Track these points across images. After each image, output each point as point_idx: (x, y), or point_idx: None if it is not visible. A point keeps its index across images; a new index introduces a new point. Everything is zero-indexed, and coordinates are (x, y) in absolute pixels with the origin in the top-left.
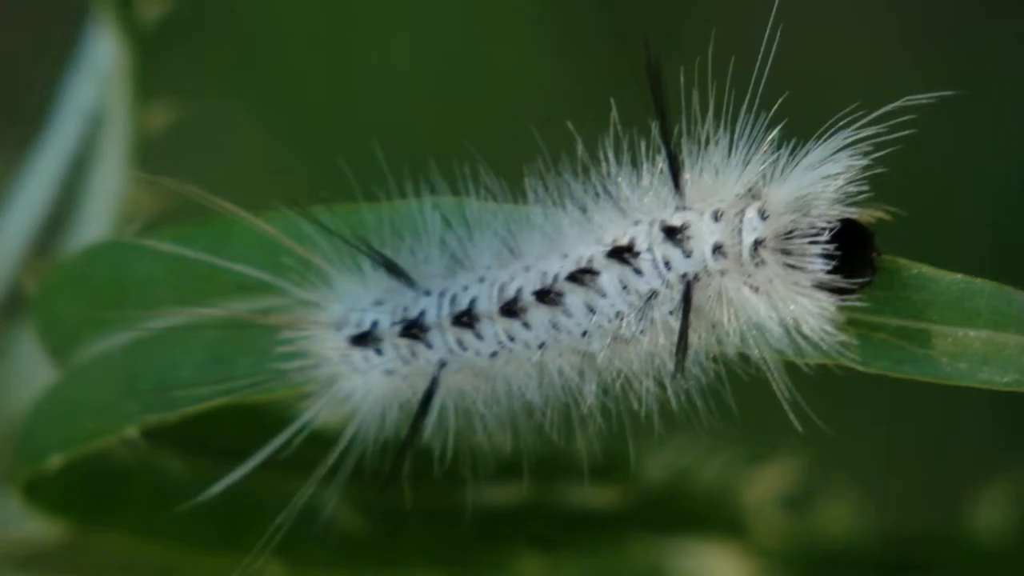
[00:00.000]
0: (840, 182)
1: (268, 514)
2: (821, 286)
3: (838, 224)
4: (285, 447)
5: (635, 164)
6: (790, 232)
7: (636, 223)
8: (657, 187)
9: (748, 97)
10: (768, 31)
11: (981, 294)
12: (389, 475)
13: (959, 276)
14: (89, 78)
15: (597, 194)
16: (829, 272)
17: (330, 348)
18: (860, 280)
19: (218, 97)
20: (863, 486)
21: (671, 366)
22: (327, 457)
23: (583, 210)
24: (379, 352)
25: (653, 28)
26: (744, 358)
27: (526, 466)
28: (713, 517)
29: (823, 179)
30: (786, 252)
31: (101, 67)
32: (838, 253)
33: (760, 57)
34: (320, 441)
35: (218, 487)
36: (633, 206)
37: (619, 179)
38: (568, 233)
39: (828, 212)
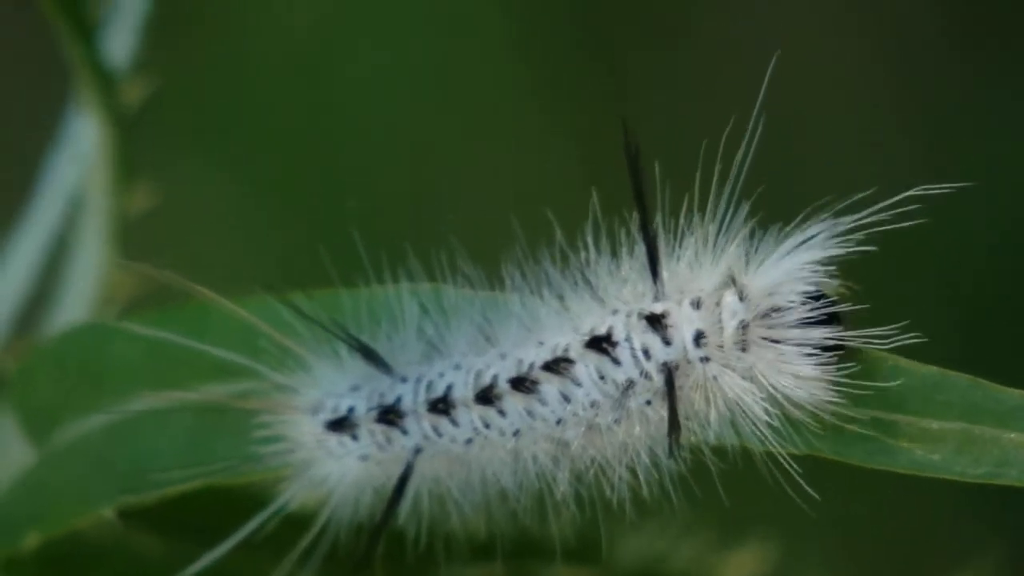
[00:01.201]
0: (814, 267)
1: None
2: (809, 355)
3: (814, 296)
4: (261, 529)
5: (614, 252)
6: (770, 312)
7: (614, 312)
8: (635, 277)
9: (722, 181)
10: (751, 126)
11: (955, 387)
12: (362, 557)
13: (933, 368)
14: (72, 160)
15: (575, 282)
16: (814, 345)
17: (306, 433)
18: (835, 350)
19: (193, 170)
20: (835, 571)
21: (644, 455)
22: (302, 539)
23: (560, 299)
24: (355, 438)
25: (632, 69)
26: (717, 449)
27: (499, 550)
28: None
29: (798, 264)
30: (770, 330)
31: (83, 149)
32: (822, 320)
33: (744, 145)
34: (296, 523)
35: (194, 568)
36: (611, 295)
37: (598, 268)
38: (545, 321)
39: (804, 289)
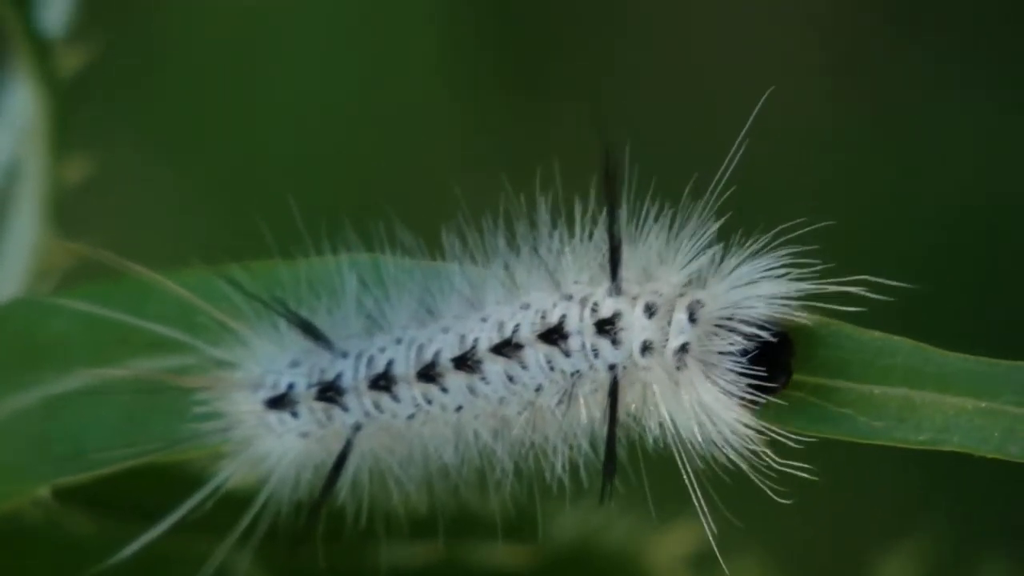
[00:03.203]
0: (772, 301)
1: (177, 574)
2: (735, 395)
3: (760, 340)
4: (198, 508)
5: (570, 233)
6: (714, 339)
7: (567, 298)
8: (592, 262)
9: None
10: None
11: (897, 351)
12: (302, 535)
13: (876, 334)
14: (6, 130)
15: (526, 258)
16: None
17: (245, 410)
18: (774, 384)
19: (128, 143)
20: (770, 546)
21: (584, 438)
22: (240, 518)
23: (507, 272)
24: (295, 415)
25: (555, 80)
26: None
27: (440, 527)
28: None
29: (756, 295)
30: (707, 360)
31: (18, 119)
32: (756, 369)
33: (725, 166)
34: (234, 502)
35: (130, 549)
36: (567, 278)
37: (552, 246)
38: (489, 296)
39: (754, 325)
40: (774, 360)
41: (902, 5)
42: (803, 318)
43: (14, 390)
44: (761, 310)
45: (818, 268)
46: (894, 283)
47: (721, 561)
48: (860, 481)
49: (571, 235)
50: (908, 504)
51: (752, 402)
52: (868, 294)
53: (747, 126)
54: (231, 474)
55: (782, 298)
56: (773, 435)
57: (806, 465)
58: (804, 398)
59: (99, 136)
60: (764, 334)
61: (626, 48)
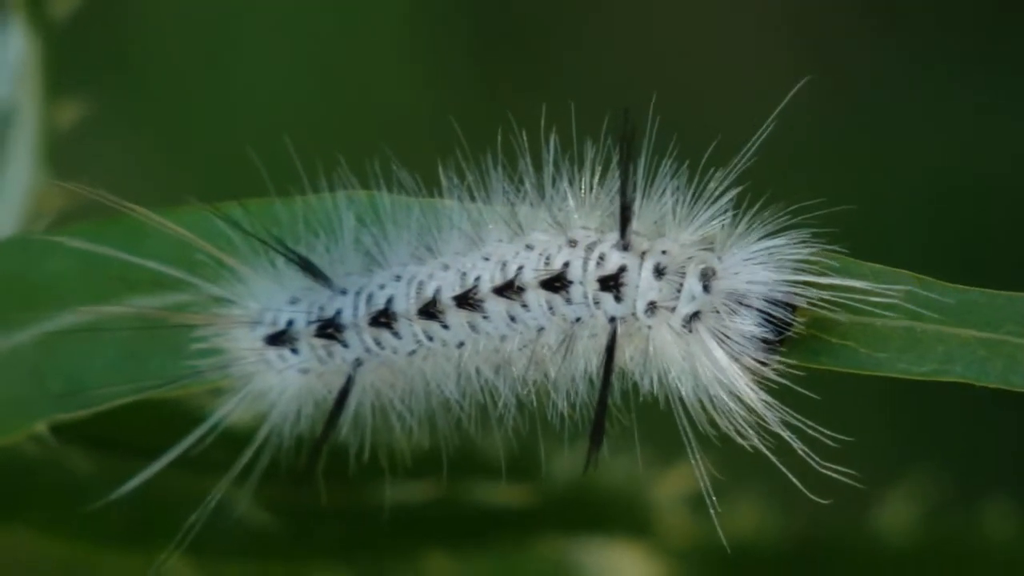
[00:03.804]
0: (787, 276)
1: (177, 512)
2: (741, 361)
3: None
4: (197, 445)
5: (579, 175)
6: (727, 311)
7: (572, 244)
8: (601, 209)
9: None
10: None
11: (899, 283)
12: (303, 473)
13: (878, 266)
14: None
15: (531, 198)
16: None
17: (245, 346)
18: (778, 342)
19: (121, 90)
20: (770, 486)
21: (582, 380)
22: (240, 455)
23: (511, 211)
24: (295, 351)
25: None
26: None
27: (444, 462)
28: (620, 516)
29: (772, 274)
30: (719, 329)
31: (12, 62)
32: (769, 338)
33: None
34: (233, 439)
35: (128, 486)
36: (573, 223)
37: (560, 188)
38: (491, 233)
39: (768, 297)
40: (778, 326)
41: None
42: (819, 307)
43: (11, 328)
44: (780, 293)
45: (838, 252)
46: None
47: (714, 505)
48: (859, 421)
49: (580, 177)
50: (906, 445)
51: (760, 362)
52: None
53: (781, 106)
54: (230, 411)
55: (795, 280)
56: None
57: (807, 392)
58: (806, 331)
59: (93, 80)
60: (778, 312)
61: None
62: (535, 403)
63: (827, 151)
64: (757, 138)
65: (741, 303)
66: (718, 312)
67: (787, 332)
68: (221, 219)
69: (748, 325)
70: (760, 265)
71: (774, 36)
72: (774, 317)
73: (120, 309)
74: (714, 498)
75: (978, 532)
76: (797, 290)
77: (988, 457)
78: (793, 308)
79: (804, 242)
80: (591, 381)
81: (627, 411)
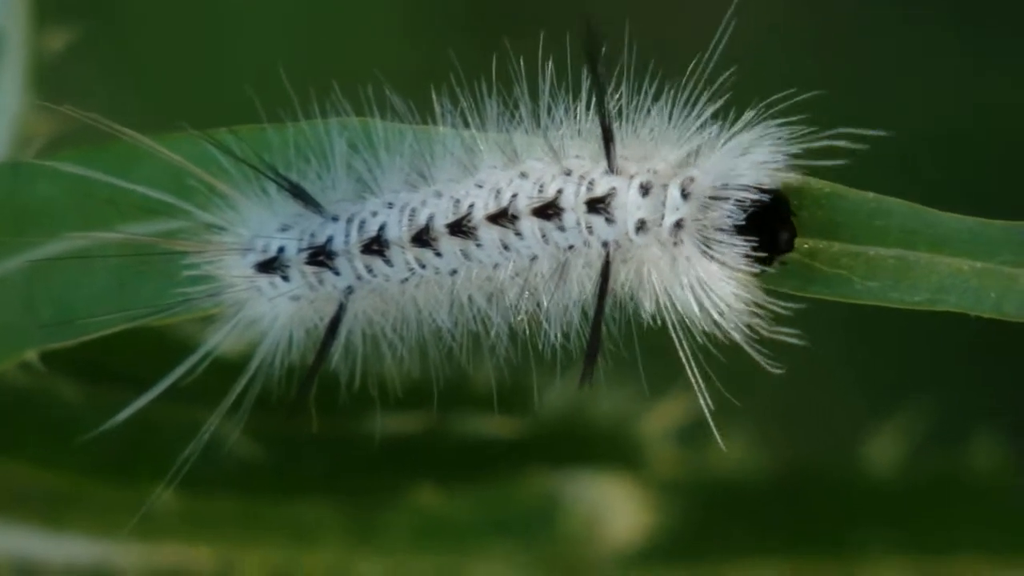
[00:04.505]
0: (763, 165)
1: (167, 442)
2: (734, 266)
3: (755, 202)
4: (189, 374)
5: (574, 104)
6: (709, 212)
7: (567, 173)
8: (594, 137)
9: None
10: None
11: (892, 212)
12: (295, 402)
13: (870, 194)
14: None
15: (526, 126)
16: (745, 252)
17: (236, 273)
18: (780, 245)
19: (110, 16)
20: (758, 420)
21: (575, 310)
22: (230, 384)
23: (507, 139)
24: (286, 278)
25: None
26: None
27: (435, 391)
28: (609, 449)
29: (746, 162)
30: (703, 234)
31: None
32: (752, 238)
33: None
34: (226, 369)
35: (120, 416)
36: (568, 151)
37: (556, 116)
38: (485, 160)
39: (747, 189)
40: (774, 221)
41: None
42: (792, 177)
43: (0, 255)
44: (750, 175)
45: (804, 132)
46: (876, 132)
47: (717, 435)
48: (849, 356)
49: (575, 107)
50: (893, 381)
51: (761, 266)
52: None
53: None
54: (222, 339)
55: (770, 162)
56: (767, 303)
57: (796, 331)
58: (798, 259)
59: (81, 6)
60: (754, 195)
61: None
62: (527, 333)
63: (825, 74)
64: (719, 39)
65: (716, 198)
66: (699, 217)
67: (779, 216)
68: (212, 145)
69: (723, 217)
70: (733, 157)
71: None
72: (753, 206)
73: (111, 235)
74: (709, 425)
75: (963, 467)
76: (771, 169)
77: (975, 392)
78: (777, 199)
79: (777, 136)
80: (584, 311)
81: (618, 342)
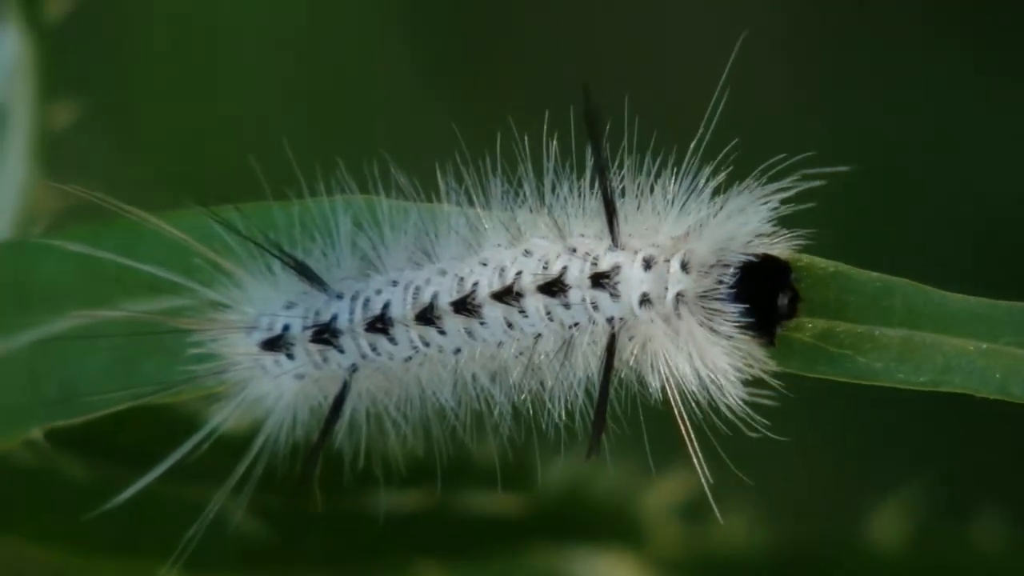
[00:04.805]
0: (757, 228)
1: (171, 520)
2: (734, 337)
3: (751, 264)
4: (194, 452)
5: (578, 182)
6: (709, 285)
7: (571, 251)
8: (597, 218)
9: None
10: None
11: (898, 292)
12: (300, 481)
13: (875, 274)
14: None
15: (531, 204)
16: (746, 325)
17: (241, 351)
18: (782, 317)
19: (116, 92)
20: (761, 497)
21: (580, 388)
22: (236, 463)
23: (511, 217)
24: (290, 356)
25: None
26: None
27: (438, 470)
28: (612, 526)
29: (743, 229)
30: (705, 307)
31: (5, 63)
32: (750, 308)
33: (710, 108)
34: (230, 447)
35: (124, 495)
36: (573, 230)
37: (560, 195)
38: (489, 238)
39: (743, 254)
40: (774, 287)
41: None
42: (792, 246)
43: (7, 332)
44: (745, 242)
45: (798, 193)
46: (840, 168)
47: (716, 509)
48: (853, 433)
49: (579, 184)
50: (898, 457)
51: (767, 339)
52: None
53: (725, 72)
54: (226, 417)
55: (765, 228)
56: (770, 381)
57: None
58: (803, 339)
59: (86, 82)
60: (749, 259)
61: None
62: (531, 411)
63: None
64: (713, 110)
65: (714, 267)
66: (700, 289)
67: (772, 293)
68: (217, 222)
69: (720, 286)
70: (728, 223)
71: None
72: (750, 273)
73: (116, 313)
74: (711, 502)
75: (968, 546)
76: (767, 235)
77: (981, 470)
78: (775, 264)
79: (772, 200)
80: (588, 391)
81: (620, 419)
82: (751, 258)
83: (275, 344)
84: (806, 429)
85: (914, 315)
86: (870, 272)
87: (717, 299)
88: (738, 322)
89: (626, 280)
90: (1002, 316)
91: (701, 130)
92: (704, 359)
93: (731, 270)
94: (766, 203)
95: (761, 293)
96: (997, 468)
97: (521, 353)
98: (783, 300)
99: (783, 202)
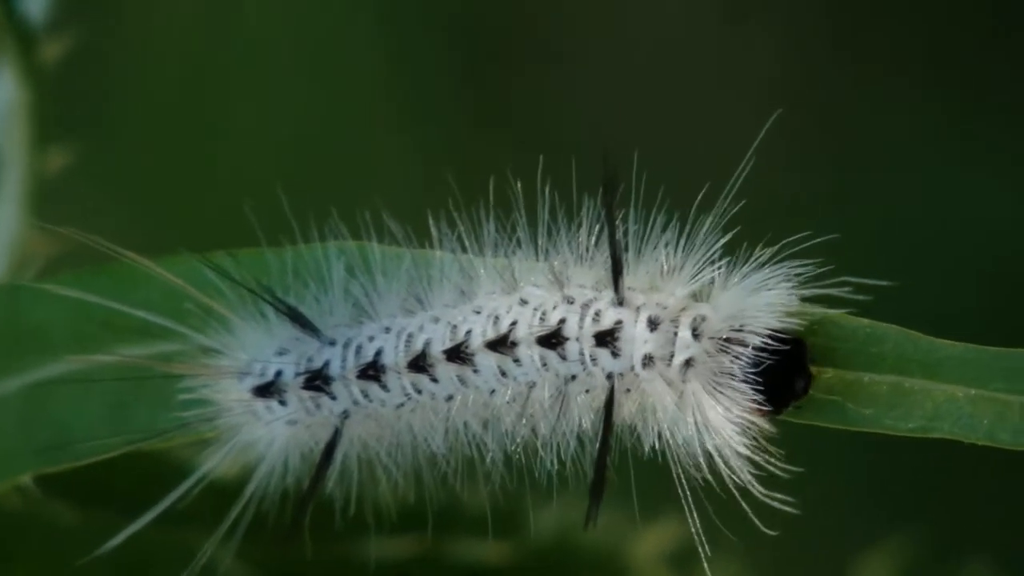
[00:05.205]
0: (777, 311)
1: (162, 566)
2: (742, 411)
3: (767, 352)
4: (184, 498)
5: (576, 231)
6: (720, 355)
7: (569, 301)
8: (598, 265)
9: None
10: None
11: (887, 339)
12: (290, 527)
13: (865, 321)
14: None
15: (529, 252)
16: (754, 397)
17: (233, 398)
18: (796, 397)
19: (108, 137)
20: (749, 546)
21: (572, 437)
22: (226, 509)
23: (506, 265)
24: (282, 403)
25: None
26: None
27: (429, 517)
28: (601, 573)
29: (760, 304)
30: (713, 374)
31: (0, 107)
32: (762, 381)
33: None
34: (221, 493)
35: (115, 541)
36: (570, 280)
37: (559, 242)
38: (483, 286)
39: (760, 335)
40: (790, 368)
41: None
42: (807, 320)
43: None
44: (764, 319)
45: (816, 275)
46: (881, 282)
47: (704, 559)
48: (841, 481)
49: (577, 233)
50: (883, 512)
51: (773, 410)
52: (856, 296)
53: (755, 144)
54: (218, 463)
55: (784, 305)
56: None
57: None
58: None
59: (80, 127)
60: (770, 343)
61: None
62: (523, 459)
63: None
64: (735, 180)
65: (729, 342)
66: (711, 359)
67: (788, 374)
68: (210, 268)
69: (735, 364)
70: (746, 299)
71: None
72: (763, 355)
73: (108, 358)
74: (699, 551)
75: None
76: (779, 320)
77: (969, 519)
78: (796, 345)
79: (789, 279)
80: (580, 439)
81: (610, 467)
82: (770, 342)
83: (267, 390)
84: (796, 477)
85: (903, 361)
86: (860, 319)
87: (727, 373)
88: (745, 398)
89: (629, 339)
90: (991, 362)
91: (711, 186)
92: (707, 424)
93: (748, 349)
94: (783, 280)
95: (776, 371)
96: (984, 517)
97: (514, 400)
98: (800, 384)
99: (802, 283)
